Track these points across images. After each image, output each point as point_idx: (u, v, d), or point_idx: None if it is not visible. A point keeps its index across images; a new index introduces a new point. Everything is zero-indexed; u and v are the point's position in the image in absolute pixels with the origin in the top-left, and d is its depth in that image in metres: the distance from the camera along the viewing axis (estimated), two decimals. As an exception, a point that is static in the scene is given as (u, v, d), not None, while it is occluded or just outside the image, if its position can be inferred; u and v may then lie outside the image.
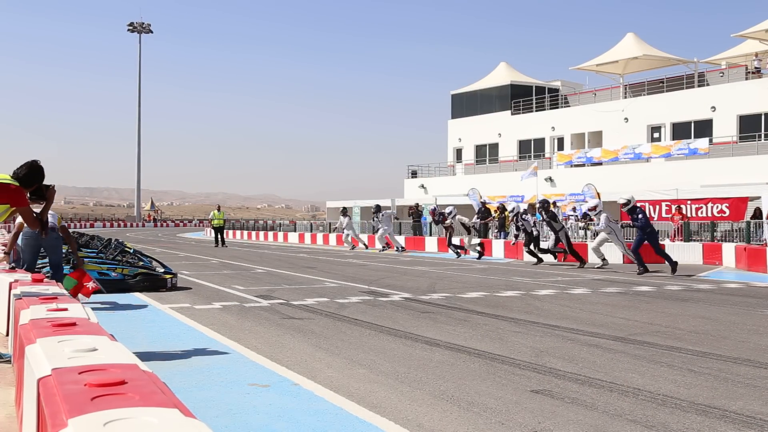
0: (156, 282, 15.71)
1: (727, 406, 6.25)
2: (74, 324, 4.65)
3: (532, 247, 25.69)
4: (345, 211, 38.17)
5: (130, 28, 77.47)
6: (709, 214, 34.14)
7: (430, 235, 38.24)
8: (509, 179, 46.92)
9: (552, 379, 7.26)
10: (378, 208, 35.46)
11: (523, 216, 26.01)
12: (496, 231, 34.56)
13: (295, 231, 55.81)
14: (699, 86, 43.51)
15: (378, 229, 35.08)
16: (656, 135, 44.30)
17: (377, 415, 5.87)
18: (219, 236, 38.37)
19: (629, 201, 20.88)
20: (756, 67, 41.30)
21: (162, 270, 16.50)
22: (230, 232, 57.21)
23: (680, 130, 43.04)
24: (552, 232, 24.56)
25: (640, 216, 20.94)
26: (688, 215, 33.60)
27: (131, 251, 17.35)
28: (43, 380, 3.21)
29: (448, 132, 58.32)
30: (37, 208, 7.64)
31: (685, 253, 26.94)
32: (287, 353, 8.47)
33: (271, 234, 55.86)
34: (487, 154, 54.84)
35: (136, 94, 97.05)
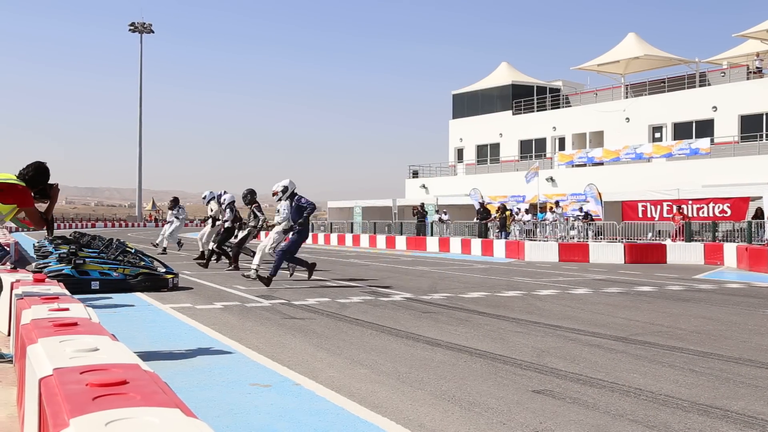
0: (157, 282, 15.73)
1: (729, 407, 6.25)
2: (76, 324, 4.66)
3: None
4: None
5: (132, 28, 77.52)
6: (711, 214, 34.26)
7: (432, 235, 38.32)
8: (511, 179, 47.00)
9: (553, 379, 7.26)
10: (176, 202, 30.50)
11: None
12: (497, 231, 34.66)
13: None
14: (700, 86, 43.54)
15: (171, 226, 29.46)
16: (657, 135, 44.32)
17: (379, 415, 5.87)
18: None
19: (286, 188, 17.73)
20: (757, 67, 41.32)
21: (163, 270, 16.50)
22: (232, 232, 57.06)
23: (681, 130, 43.06)
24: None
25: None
26: (690, 215, 33.67)
27: (132, 251, 17.35)
28: (44, 380, 3.23)
29: (450, 132, 58.39)
30: (40, 208, 7.64)
31: (687, 253, 26.99)
32: (288, 353, 8.47)
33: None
34: (488, 154, 54.87)
35: (137, 94, 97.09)
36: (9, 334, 8.08)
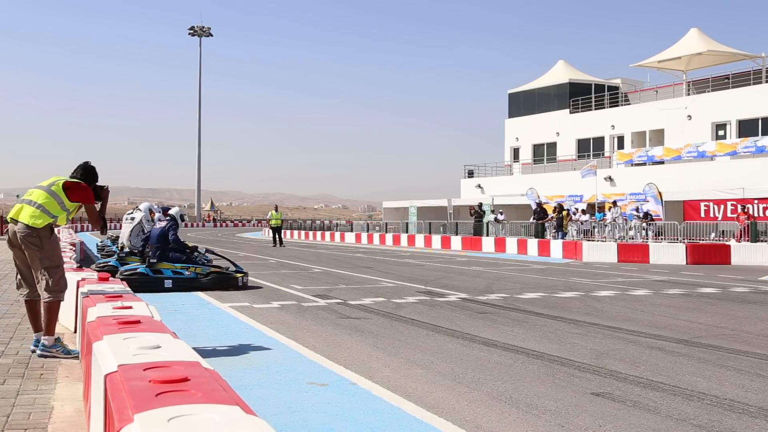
0: (228, 280, 16.07)
1: (794, 411, 6.16)
2: (138, 321, 4.76)
3: None
4: None
5: (191, 31, 78.52)
6: (777, 213, 33.59)
7: (487, 235, 38.16)
8: (568, 179, 46.58)
9: (613, 381, 7.21)
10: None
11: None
12: (554, 231, 34.39)
13: (351, 231, 56.34)
14: (767, 82, 42.61)
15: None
16: (721, 132, 43.50)
17: (435, 415, 5.89)
18: (277, 236, 38.67)
19: None
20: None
21: (233, 269, 16.73)
22: (288, 232, 57.75)
23: (747, 128, 42.12)
24: None
25: None
26: (755, 215, 33.03)
27: (203, 251, 17.67)
28: (109, 376, 3.29)
29: (505, 131, 58.13)
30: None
31: (752, 253, 26.56)
32: (345, 352, 8.54)
33: (327, 234, 56.33)
34: (544, 153, 54.50)
35: (196, 96, 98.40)
36: (75, 331, 8.24)
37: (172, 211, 16.99)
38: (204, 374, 3.18)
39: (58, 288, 7.24)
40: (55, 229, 7.54)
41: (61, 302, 7.44)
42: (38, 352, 7.23)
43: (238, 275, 16.26)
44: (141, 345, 3.84)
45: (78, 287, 7.75)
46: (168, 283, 15.63)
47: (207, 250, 18.09)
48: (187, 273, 15.82)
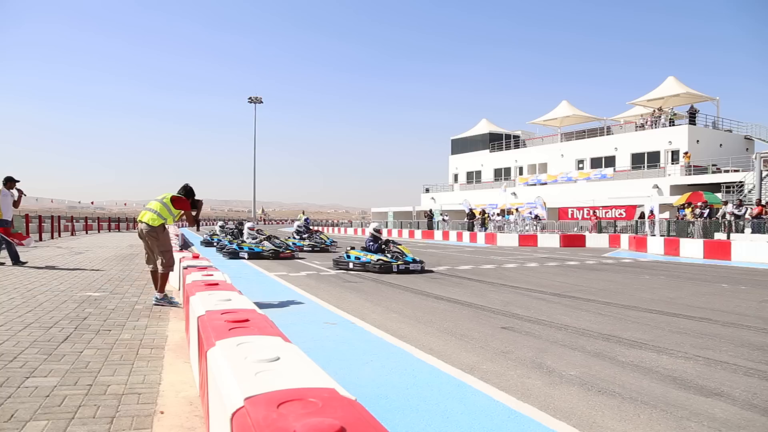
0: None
1: (621, 335, 6.31)
2: (217, 284, 4.84)
3: None
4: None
5: (249, 100, 77.86)
6: (613, 216, 34.11)
7: (437, 229, 38.25)
8: (488, 193, 46.85)
9: (514, 320, 7.33)
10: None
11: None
12: (479, 226, 34.51)
13: (351, 227, 56.50)
14: (607, 134, 43.00)
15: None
16: (581, 165, 43.68)
17: (404, 342, 5.99)
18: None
19: None
20: (641, 124, 40.91)
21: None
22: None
23: (596, 162, 42.45)
24: None
25: None
26: (600, 216, 33.47)
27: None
28: (201, 317, 3.36)
29: (449, 163, 57.92)
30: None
31: (598, 240, 27.08)
32: (347, 304, 8.58)
33: (336, 229, 56.51)
34: (474, 177, 54.32)
35: (252, 144, 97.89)
36: (179, 289, 8.30)
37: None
38: (258, 317, 3.22)
39: (168, 264, 7.32)
40: (167, 227, 7.60)
41: (171, 273, 7.53)
42: (154, 302, 7.32)
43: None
44: (219, 298, 3.89)
45: (180, 262, 7.81)
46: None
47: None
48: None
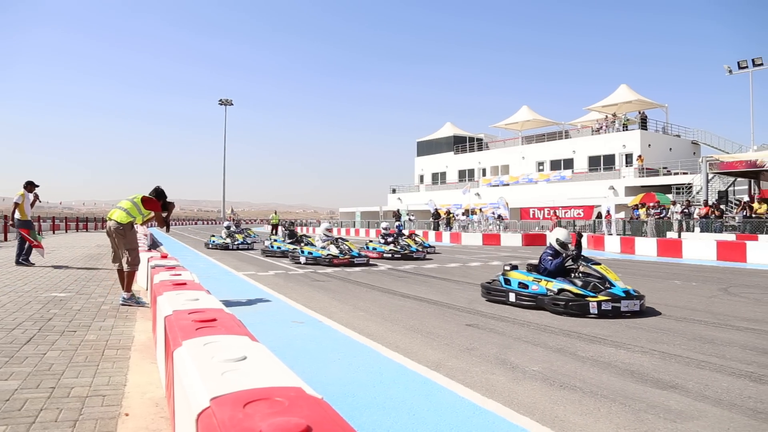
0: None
1: (581, 331, 6.38)
2: (185, 284, 4.72)
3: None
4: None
5: (220, 102, 76.75)
6: (572, 216, 34.70)
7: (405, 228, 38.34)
8: (453, 194, 47.06)
9: (479, 317, 7.35)
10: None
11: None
12: (445, 226, 34.68)
13: (319, 226, 56.19)
14: (565, 138, 43.80)
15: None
16: (541, 168, 44.39)
17: (371, 340, 5.95)
18: (275, 230, 38.00)
19: None
20: (597, 128, 41.84)
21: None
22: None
23: (555, 165, 43.21)
24: None
25: None
26: (560, 216, 33.98)
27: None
28: (168, 317, 3.29)
29: (415, 164, 58.18)
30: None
31: (559, 239, 27.36)
32: (315, 302, 8.50)
33: (304, 228, 56.05)
34: (439, 178, 54.67)
35: (222, 145, 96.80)
36: (147, 289, 8.11)
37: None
38: (226, 316, 3.16)
39: (134, 263, 7.14)
40: (135, 226, 7.42)
41: (137, 272, 7.34)
42: (121, 302, 7.13)
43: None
44: (187, 298, 3.82)
45: (148, 261, 7.63)
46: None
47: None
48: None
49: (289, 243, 18.34)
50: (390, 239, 18.01)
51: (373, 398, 4.01)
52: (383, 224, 17.66)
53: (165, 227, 7.61)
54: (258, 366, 2.19)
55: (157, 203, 7.38)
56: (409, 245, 17.67)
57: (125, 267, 7.11)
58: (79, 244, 21.10)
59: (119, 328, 5.76)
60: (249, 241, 22.03)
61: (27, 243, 12.10)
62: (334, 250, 15.05)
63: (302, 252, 15.23)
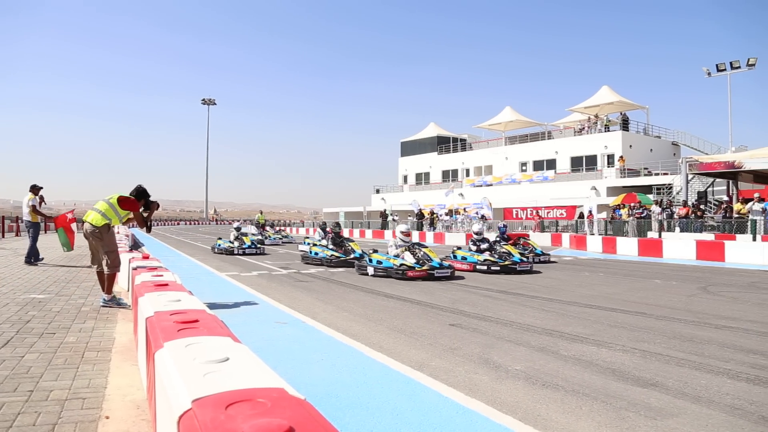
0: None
1: (564, 330, 6.43)
2: (167, 284, 4.68)
3: None
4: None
5: (203, 102, 76.16)
6: (555, 216, 34.99)
7: (388, 228, 38.36)
8: (437, 194, 47.15)
9: (462, 317, 7.37)
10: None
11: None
12: (428, 226, 34.76)
13: (303, 227, 55.90)
14: (548, 139, 44.16)
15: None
16: (524, 168, 44.76)
17: (354, 340, 5.94)
18: (261, 230, 37.71)
19: None
20: (580, 129, 42.24)
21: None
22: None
23: (538, 165, 43.63)
24: None
25: None
26: (543, 216, 34.24)
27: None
28: (149, 318, 3.26)
29: (399, 165, 58.29)
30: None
31: (542, 239, 27.48)
32: (298, 303, 8.47)
33: (288, 229, 55.77)
34: (423, 179, 54.84)
35: (205, 144, 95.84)
36: (128, 290, 8.02)
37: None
38: (208, 317, 3.14)
39: (114, 265, 7.03)
40: (115, 227, 7.32)
41: (117, 273, 7.24)
42: (101, 303, 7.03)
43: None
44: (168, 299, 3.78)
45: (130, 262, 7.55)
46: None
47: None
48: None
49: (330, 249, 15.34)
50: (485, 246, 14.24)
51: (356, 398, 4.00)
52: (475, 227, 14.13)
53: (146, 228, 7.51)
54: (240, 367, 2.17)
55: (136, 203, 7.23)
56: (510, 253, 13.69)
57: (105, 270, 7.01)
58: (59, 245, 20.80)
59: (100, 329, 5.68)
60: (265, 245, 21.06)
61: (36, 245, 12.55)
62: (409, 258, 12.14)
63: (370, 261, 12.57)
